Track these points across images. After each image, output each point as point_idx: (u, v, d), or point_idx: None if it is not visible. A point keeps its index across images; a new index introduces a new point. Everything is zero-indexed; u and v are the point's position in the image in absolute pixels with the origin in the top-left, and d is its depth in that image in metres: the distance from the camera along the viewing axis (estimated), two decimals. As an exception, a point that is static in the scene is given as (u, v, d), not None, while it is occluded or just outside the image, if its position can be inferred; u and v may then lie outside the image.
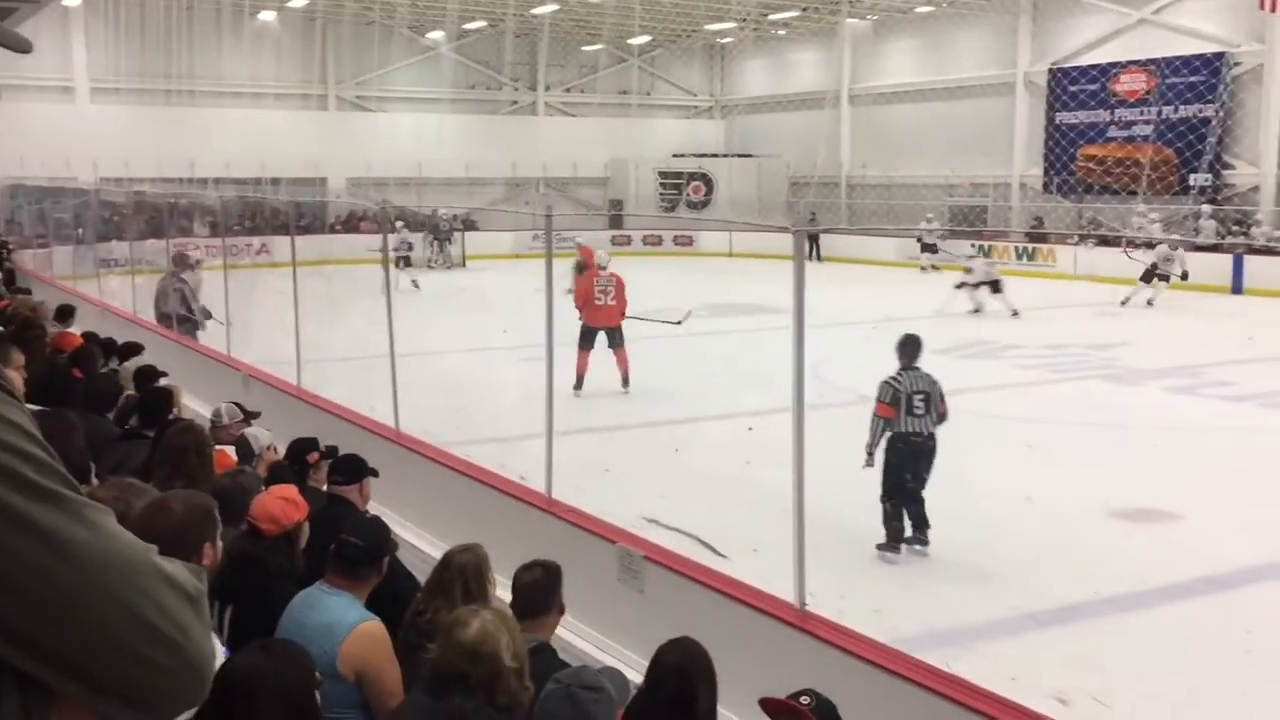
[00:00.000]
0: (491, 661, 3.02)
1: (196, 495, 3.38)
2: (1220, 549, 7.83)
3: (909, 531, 7.92)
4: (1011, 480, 9.71)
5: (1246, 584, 7.27)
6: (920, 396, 8.02)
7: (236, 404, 6.53)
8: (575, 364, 12.69)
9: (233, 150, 30.82)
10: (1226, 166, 27.54)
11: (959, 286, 21.16)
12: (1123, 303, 22.01)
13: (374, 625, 3.64)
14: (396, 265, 21.40)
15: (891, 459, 7.98)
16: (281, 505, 4.04)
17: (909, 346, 8.42)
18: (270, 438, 5.99)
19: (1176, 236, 24.01)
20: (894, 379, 8.09)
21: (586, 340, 13.06)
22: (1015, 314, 20.30)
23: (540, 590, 3.86)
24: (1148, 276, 22.20)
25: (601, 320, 13.05)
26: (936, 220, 30.83)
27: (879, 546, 7.84)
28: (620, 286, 13.18)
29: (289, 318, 10.75)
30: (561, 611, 3.95)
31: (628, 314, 13.35)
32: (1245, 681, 5.92)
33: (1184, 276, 21.94)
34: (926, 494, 8.01)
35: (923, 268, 29.30)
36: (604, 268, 13.24)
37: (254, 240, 25.63)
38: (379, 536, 3.95)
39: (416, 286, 23.84)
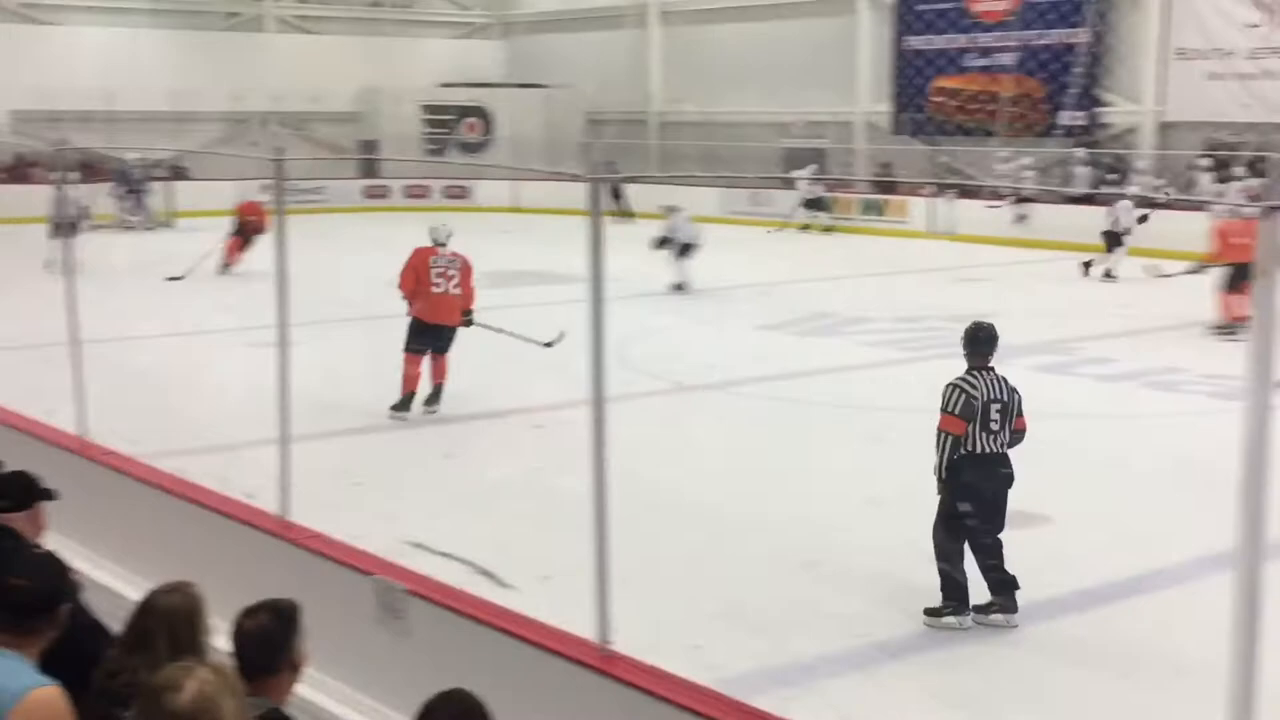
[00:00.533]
0: None
1: None
2: (1096, 557, 8.26)
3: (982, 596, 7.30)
4: (853, 480, 10.03)
5: (1125, 596, 7.70)
6: (997, 407, 7.28)
7: None
8: (402, 373, 11.82)
9: None
10: (1100, 104, 29.04)
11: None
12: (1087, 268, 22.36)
13: (50, 693, 3.49)
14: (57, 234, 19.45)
15: (954, 487, 7.31)
16: None
17: (982, 339, 7.63)
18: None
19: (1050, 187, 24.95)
20: (967, 381, 7.31)
21: (420, 340, 11.87)
22: (679, 288, 20.05)
23: (268, 641, 3.74)
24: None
25: (444, 315, 11.80)
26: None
27: (929, 612, 7.21)
28: (467, 271, 12.01)
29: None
30: (297, 667, 3.84)
31: (477, 325, 12.29)
32: (1136, 701, 6.29)
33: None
34: (755, 496, 8.16)
35: (804, 226, 29.87)
36: (443, 244, 12.01)
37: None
38: (53, 577, 3.79)
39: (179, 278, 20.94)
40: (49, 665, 3.67)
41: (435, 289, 11.65)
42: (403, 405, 11.73)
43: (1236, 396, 3.28)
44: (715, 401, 12.92)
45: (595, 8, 38.88)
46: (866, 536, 8.77)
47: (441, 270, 11.73)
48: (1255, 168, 25.35)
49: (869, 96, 33.19)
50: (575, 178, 5.27)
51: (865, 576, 8.04)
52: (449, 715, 3.37)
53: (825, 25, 33.61)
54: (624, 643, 4.96)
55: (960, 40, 31.12)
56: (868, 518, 9.16)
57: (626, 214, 28.97)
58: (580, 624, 5.02)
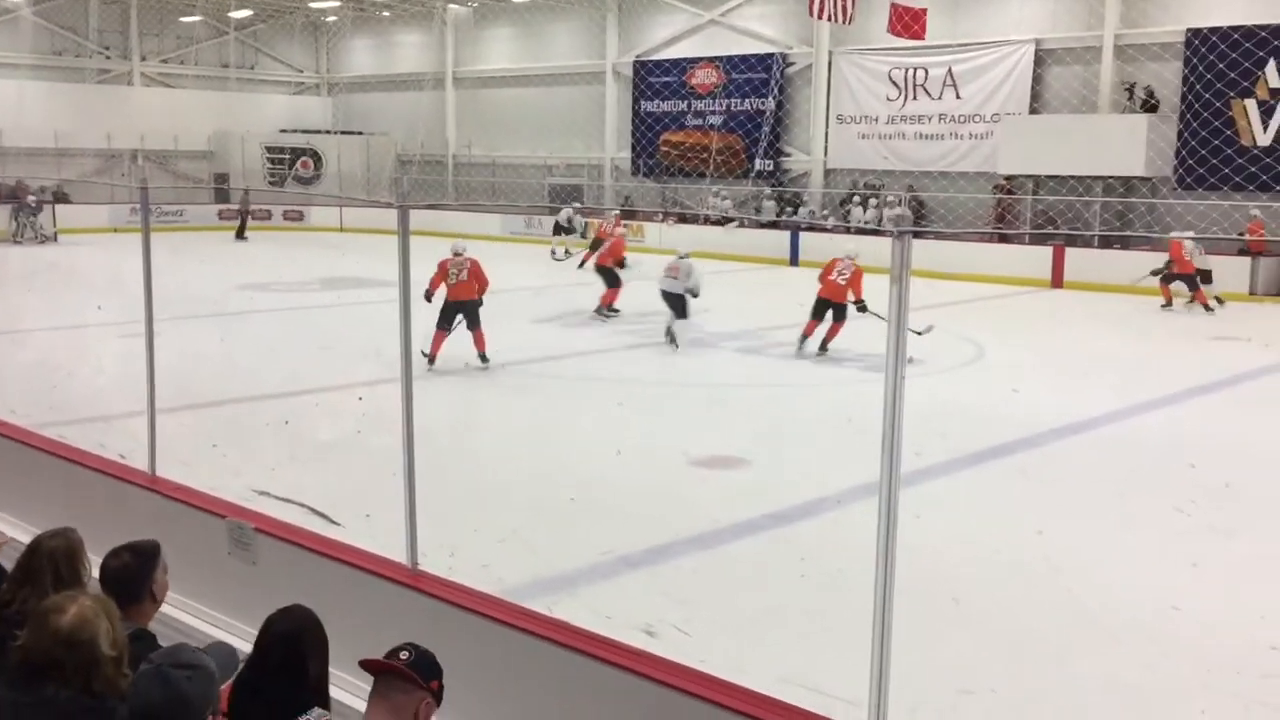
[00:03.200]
0: (88, 649, 2.77)
1: None
2: (781, 489, 8.52)
3: None
4: (605, 436, 10.12)
5: (802, 518, 7.96)
6: None
7: None
8: (433, 340, 12.52)
9: None
10: (783, 154, 29.91)
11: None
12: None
13: None
14: None
15: None
16: None
17: None
18: None
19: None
20: None
21: (446, 319, 12.77)
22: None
23: (131, 576, 3.55)
24: None
25: (461, 295, 12.81)
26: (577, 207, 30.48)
27: None
28: (476, 267, 13.04)
29: None
30: (157, 596, 3.65)
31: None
32: (805, 600, 6.50)
33: None
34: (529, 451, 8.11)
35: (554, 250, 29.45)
36: (459, 253, 13.13)
37: None
38: None
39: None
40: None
41: (450, 281, 12.78)
42: (430, 360, 12.42)
43: (881, 369, 3.41)
44: (498, 379, 12.83)
45: (403, 73, 38.20)
46: (614, 479, 8.85)
47: (456, 269, 12.87)
48: (888, 202, 26.51)
49: (614, 145, 33.43)
50: (388, 205, 5.15)
51: (613, 509, 8.10)
52: (285, 625, 3.26)
53: (582, 91, 33.76)
54: (429, 564, 4.89)
55: (681, 105, 31.60)
56: (614, 464, 9.24)
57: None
58: (395, 551, 4.92)
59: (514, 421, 10.82)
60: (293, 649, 3.16)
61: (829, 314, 14.37)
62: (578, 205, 29.81)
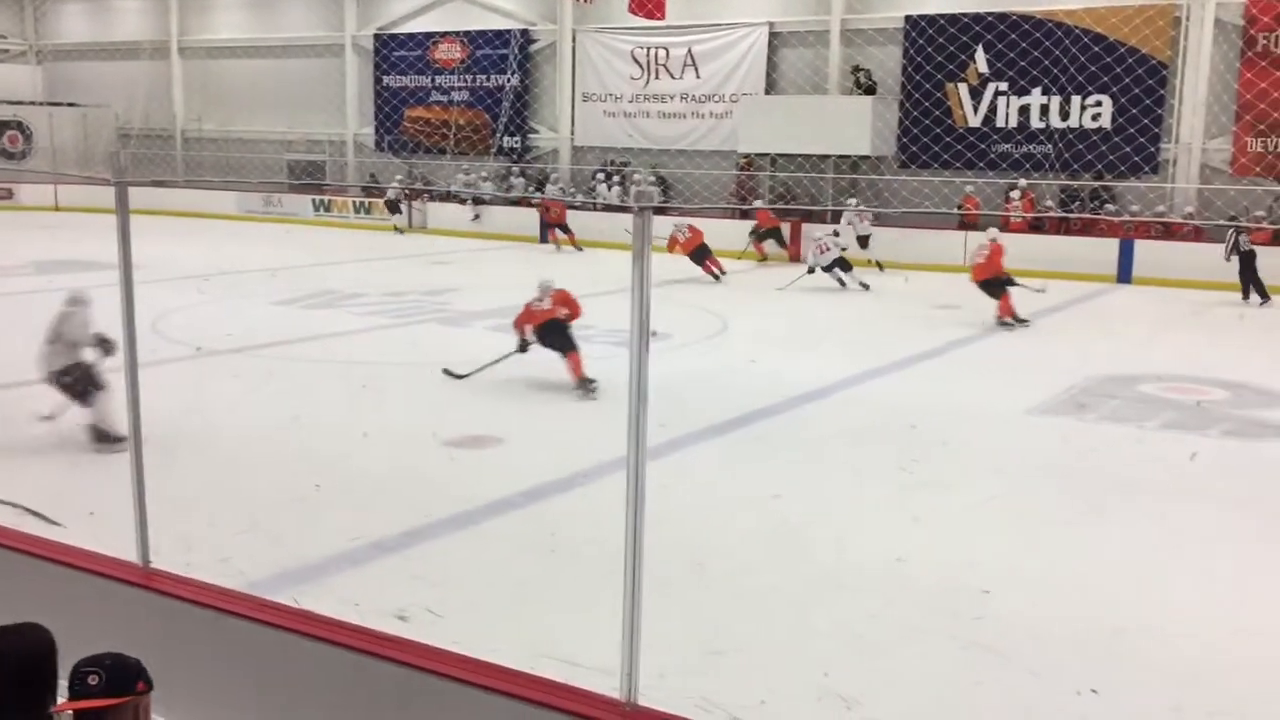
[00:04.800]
0: None
1: None
2: (533, 466, 8.57)
3: None
4: (351, 419, 9.88)
5: (554, 493, 8.03)
6: None
7: None
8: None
9: None
10: (531, 131, 29.89)
11: None
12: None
13: None
14: None
15: None
16: None
17: None
18: None
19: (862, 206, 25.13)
20: None
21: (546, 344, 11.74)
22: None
23: None
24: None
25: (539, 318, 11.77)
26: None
27: None
28: (562, 297, 11.90)
29: None
30: None
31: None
32: (557, 574, 6.58)
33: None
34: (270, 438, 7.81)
35: (397, 229, 28.35)
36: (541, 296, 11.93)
37: None
38: None
39: None
40: None
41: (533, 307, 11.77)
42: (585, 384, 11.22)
43: (625, 344, 3.47)
44: (233, 363, 12.29)
45: (122, 40, 35.72)
46: (362, 463, 8.66)
47: (538, 299, 11.82)
48: (633, 180, 27.02)
49: (357, 120, 32.47)
50: (106, 182, 4.82)
51: (362, 493, 7.93)
52: (18, 647, 2.97)
53: (319, 64, 32.60)
54: (163, 562, 4.64)
55: (424, 80, 31.03)
56: (360, 448, 9.03)
57: None
58: (124, 550, 4.64)
59: (254, 407, 10.39)
60: (29, 673, 2.89)
61: (995, 291, 15.69)
62: (400, 179, 29.20)
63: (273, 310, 15.79)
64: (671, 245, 18.08)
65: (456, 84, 30.51)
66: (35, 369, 9.04)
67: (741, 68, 26.47)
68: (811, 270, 19.66)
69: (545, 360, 12.63)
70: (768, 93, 26.03)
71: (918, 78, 24.34)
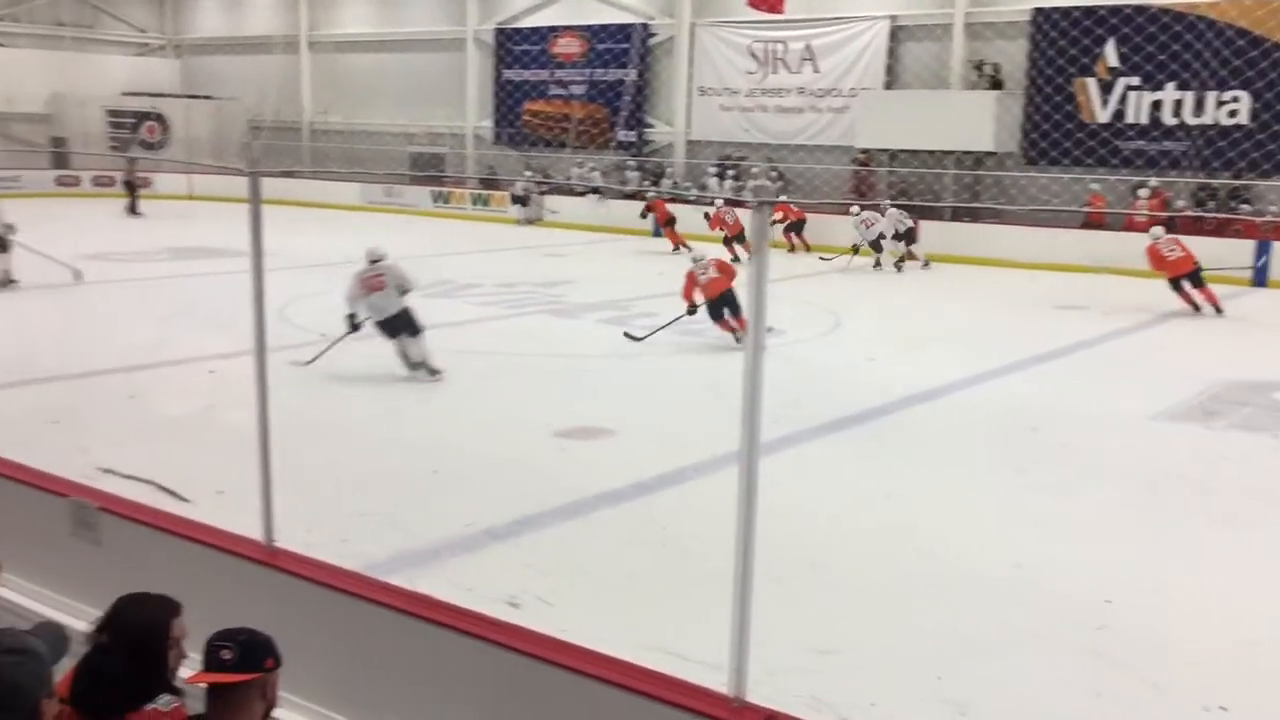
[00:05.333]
0: None
1: None
2: (645, 459, 8.59)
3: None
4: (467, 407, 10.04)
5: (666, 486, 8.04)
6: None
7: None
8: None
9: None
10: (647, 125, 29.97)
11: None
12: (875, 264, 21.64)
13: None
14: None
15: None
16: None
17: None
18: None
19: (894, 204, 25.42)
20: None
21: (715, 312, 13.42)
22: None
23: None
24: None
25: (715, 291, 13.36)
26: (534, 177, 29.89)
27: None
28: (720, 265, 13.76)
29: None
30: None
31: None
32: (667, 567, 6.58)
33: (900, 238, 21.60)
34: (391, 423, 7.99)
35: (523, 221, 28.73)
36: (700, 259, 13.84)
37: None
38: None
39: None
40: None
41: (702, 281, 13.40)
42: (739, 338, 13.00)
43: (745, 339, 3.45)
44: (356, 349, 12.58)
45: (254, 35, 36.92)
46: (477, 451, 8.79)
47: (702, 270, 13.50)
48: (752, 174, 26.89)
49: (476, 114, 32.97)
50: (239, 172, 4.98)
51: (477, 481, 8.05)
52: (139, 614, 3.08)
53: (442, 58, 33.16)
54: (286, 541, 4.78)
55: (544, 74, 31.35)
56: (478, 437, 9.17)
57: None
58: (249, 528, 4.79)
59: (374, 393, 10.63)
60: (145, 638, 3.03)
61: (1185, 284, 16.34)
62: (529, 174, 29.65)
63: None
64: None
65: (575, 78, 30.75)
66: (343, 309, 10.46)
67: (861, 62, 26.11)
68: (856, 249, 20.74)
69: (658, 354, 12.68)
70: (887, 87, 25.63)
71: (1049, 71, 23.67)
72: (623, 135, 29.89)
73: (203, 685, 2.90)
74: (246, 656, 2.89)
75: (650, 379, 11.67)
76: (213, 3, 38.35)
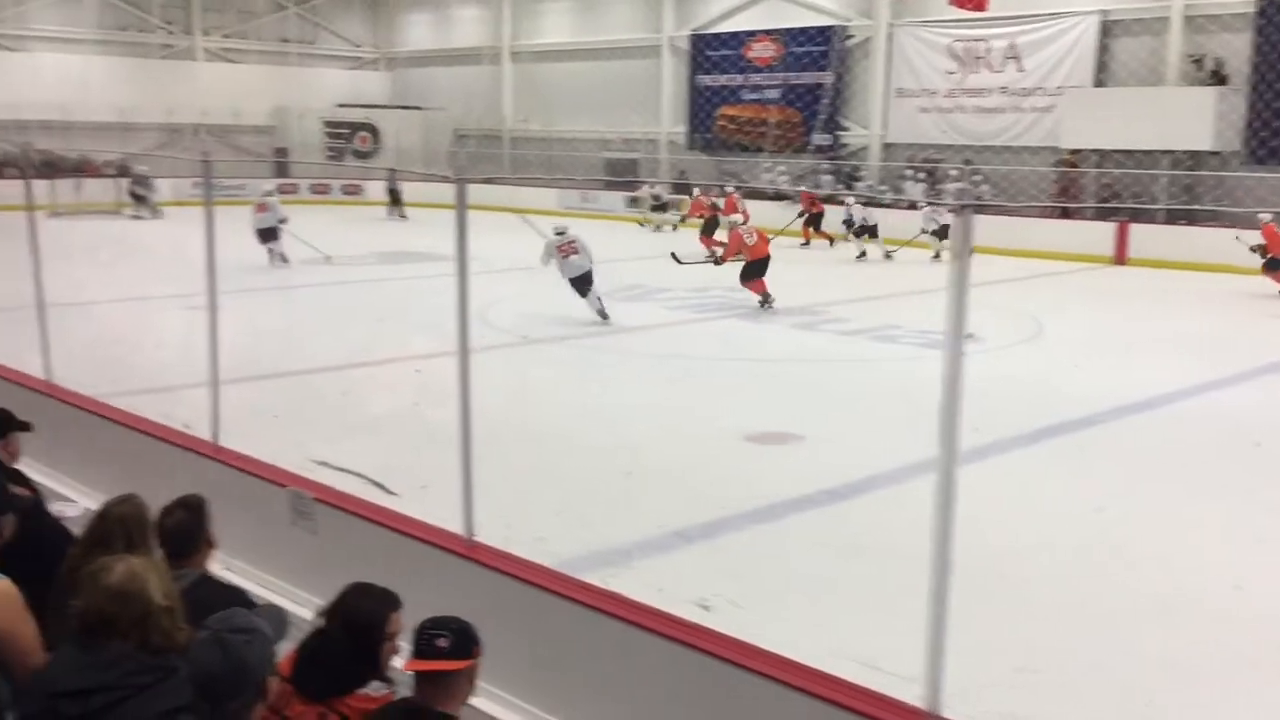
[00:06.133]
0: (140, 600, 2.82)
1: None
2: (837, 465, 8.48)
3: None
4: (660, 409, 10.13)
5: (858, 493, 7.92)
6: None
7: None
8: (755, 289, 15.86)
9: None
10: (842, 128, 29.60)
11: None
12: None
13: (1, 585, 3.32)
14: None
15: None
16: None
17: None
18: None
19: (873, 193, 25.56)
20: None
21: (759, 271, 15.79)
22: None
23: (186, 530, 3.70)
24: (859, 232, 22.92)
25: (761, 251, 15.94)
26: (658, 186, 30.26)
27: None
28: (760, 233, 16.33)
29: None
30: (211, 545, 3.79)
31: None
32: (861, 576, 6.48)
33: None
34: (584, 424, 8.14)
35: (642, 222, 29.18)
36: (737, 225, 16.88)
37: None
38: None
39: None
40: (17, 563, 3.49)
41: (750, 243, 15.89)
42: (765, 300, 15.81)
43: (938, 345, 3.37)
44: (553, 351, 12.90)
45: (460, 47, 38.28)
46: (669, 453, 8.86)
47: (747, 234, 16.11)
48: (948, 176, 26.18)
49: (670, 119, 33.27)
50: (445, 179, 5.17)
51: (668, 483, 8.11)
52: (359, 604, 3.25)
53: (637, 65, 33.62)
54: (485, 536, 4.93)
55: (738, 79, 31.37)
56: (669, 439, 9.25)
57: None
58: (451, 522, 4.97)
59: (570, 395, 10.86)
60: (364, 627, 3.19)
61: None
62: (651, 182, 30.05)
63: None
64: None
65: (770, 82, 30.63)
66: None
67: (1068, 59, 25.07)
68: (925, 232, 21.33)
69: (849, 360, 12.53)
70: (1097, 85, 24.52)
71: (1274, 64, 22.16)
72: (818, 139, 29.60)
73: (411, 672, 3.02)
74: (460, 644, 3.00)
75: (842, 385, 11.51)
76: (421, 17, 39.99)
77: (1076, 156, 24.77)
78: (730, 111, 31.57)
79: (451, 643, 2.99)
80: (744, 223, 18.24)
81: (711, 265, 15.55)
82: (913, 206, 22.71)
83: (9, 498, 3.67)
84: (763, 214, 27.84)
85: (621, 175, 33.02)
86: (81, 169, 29.44)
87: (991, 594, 5.94)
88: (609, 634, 4.24)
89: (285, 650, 3.22)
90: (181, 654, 2.75)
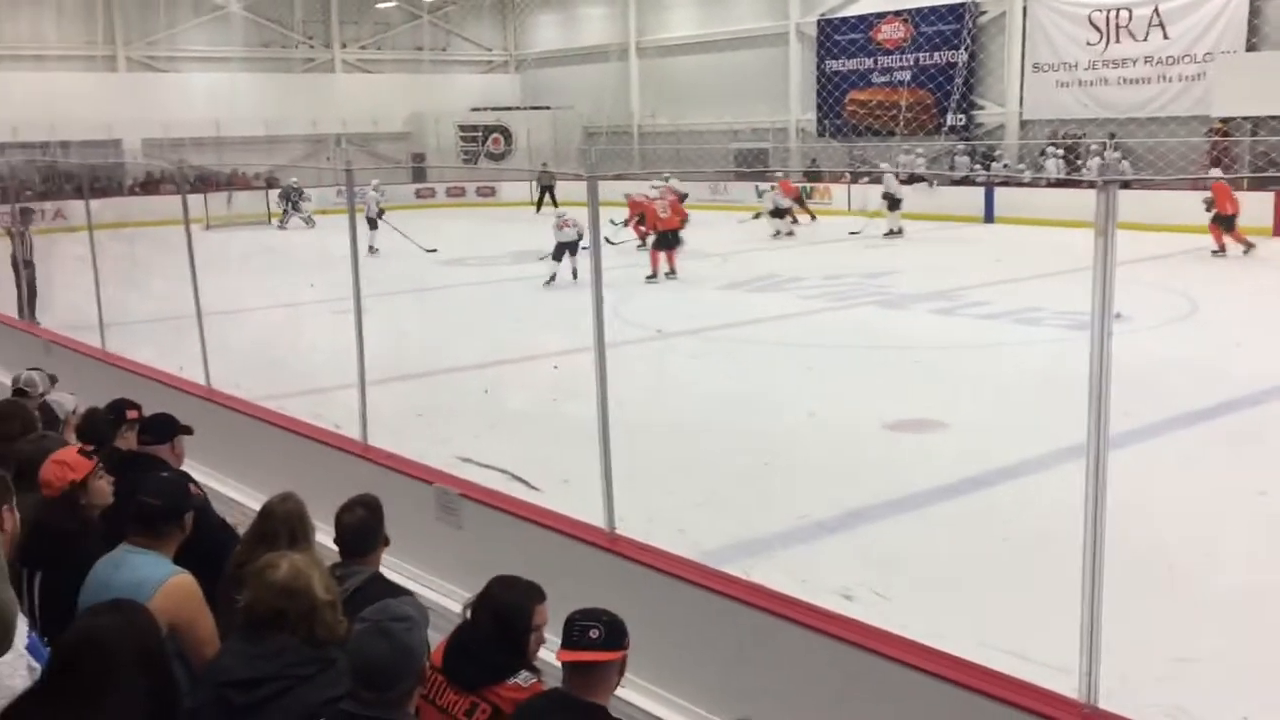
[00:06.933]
0: (306, 597, 2.96)
1: None
2: (981, 452, 8.29)
3: None
4: (797, 399, 10.06)
5: (1003, 480, 7.73)
6: None
7: (38, 370, 6.16)
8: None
9: (19, 115, 28.63)
10: (976, 107, 28.86)
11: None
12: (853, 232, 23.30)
13: (184, 578, 3.50)
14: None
15: None
16: (52, 468, 3.91)
17: None
18: (75, 402, 5.67)
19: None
20: None
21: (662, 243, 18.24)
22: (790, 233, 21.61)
23: (365, 528, 3.83)
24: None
25: (672, 224, 18.29)
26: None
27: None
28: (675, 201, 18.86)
29: (89, 281, 10.16)
30: (386, 543, 3.92)
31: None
32: (1008, 564, 6.33)
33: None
34: (722, 415, 8.15)
35: (754, 212, 28.79)
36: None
37: (47, 205, 24.02)
38: (177, 494, 3.79)
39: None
40: (188, 559, 3.68)
41: (663, 215, 18.27)
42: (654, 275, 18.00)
43: (1084, 327, 3.27)
44: (688, 344, 12.92)
45: (587, 45, 38.58)
46: (808, 443, 8.79)
47: (662, 207, 18.38)
48: (1089, 151, 25.30)
49: (799, 107, 32.95)
50: (578, 177, 5.25)
51: (808, 473, 8.06)
52: (506, 597, 3.33)
53: (764, 54, 33.37)
54: (626, 529, 4.98)
55: (867, 63, 30.86)
56: (808, 428, 9.18)
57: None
58: (592, 516, 5.04)
59: (706, 386, 10.86)
60: (510, 618, 3.26)
61: None
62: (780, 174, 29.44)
63: (722, 294, 16.44)
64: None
65: (900, 64, 30.05)
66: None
67: (1218, 24, 23.91)
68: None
69: (990, 345, 12.25)
70: (1249, 49, 23.33)
71: None
72: (951, 119, 28.92)
73: (561, 663, 3.08)
74: (611, 636, 3.05)
75: (984, 370, 11.23)
76: (550, 18, 40.47)
77: (1229, 125, 23.63)
78: (860, 96, 31.09)
79: (603, 634, 3.03)
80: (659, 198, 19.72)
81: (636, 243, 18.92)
82: (1057, 184, 22.00)
83: (189, 496, 3.87)
84: (880, 200, 27.36)
85: (751, 165, 32.83)
86: (233, 182, 30.74)
87: (1148, 583, 5.73)
88: (751, 625, 4.24)
89: (434, 641, 3.32)
90: (341, 645, 2.87)
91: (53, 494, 3.86)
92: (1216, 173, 19.93)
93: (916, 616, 5.13)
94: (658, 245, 18.29)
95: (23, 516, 3.44)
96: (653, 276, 17.98)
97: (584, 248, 15.80)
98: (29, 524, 3.53)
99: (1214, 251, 18.95)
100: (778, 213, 24.95)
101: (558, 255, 17.54)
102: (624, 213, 20.51)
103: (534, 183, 32.43)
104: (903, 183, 26.86)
